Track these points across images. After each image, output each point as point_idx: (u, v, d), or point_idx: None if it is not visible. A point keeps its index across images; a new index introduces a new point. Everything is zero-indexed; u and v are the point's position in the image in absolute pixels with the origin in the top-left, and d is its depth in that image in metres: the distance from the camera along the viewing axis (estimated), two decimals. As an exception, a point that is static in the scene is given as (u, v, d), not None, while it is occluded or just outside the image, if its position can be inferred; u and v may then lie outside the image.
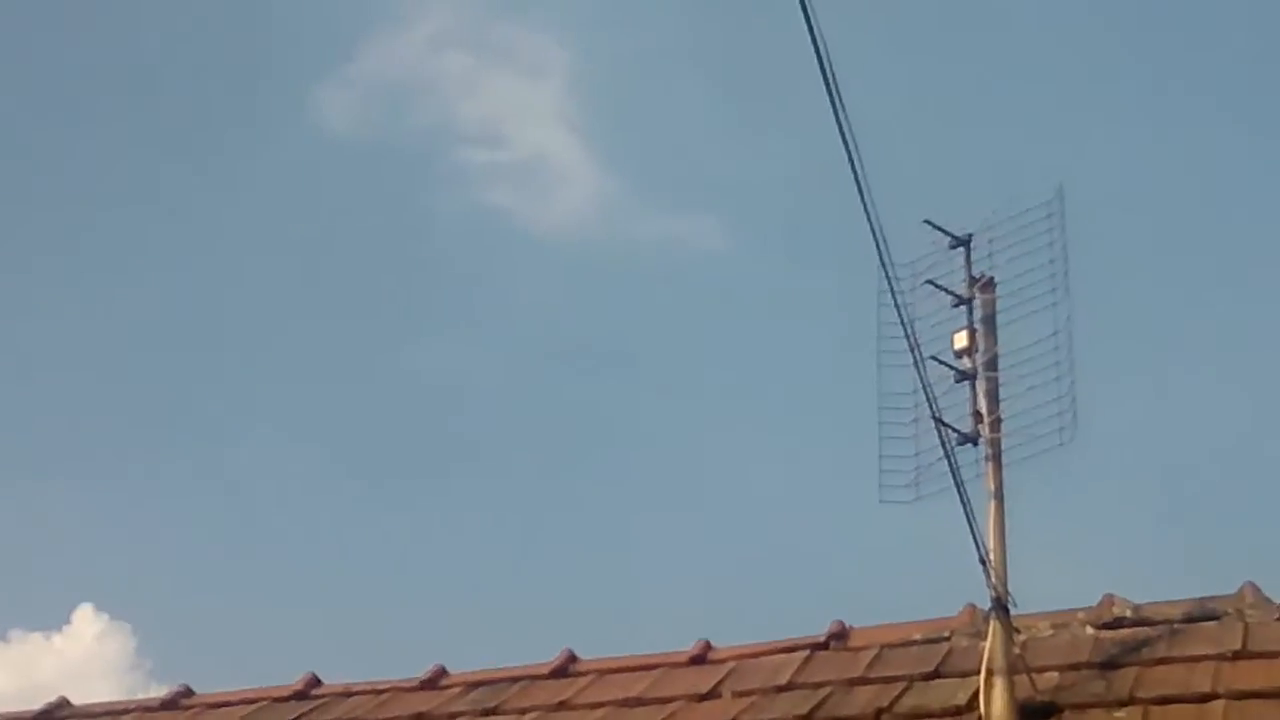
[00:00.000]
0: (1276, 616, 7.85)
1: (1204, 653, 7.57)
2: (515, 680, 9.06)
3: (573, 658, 9.13)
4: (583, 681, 8.84)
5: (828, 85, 5.88)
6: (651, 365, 19.44)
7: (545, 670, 9.06)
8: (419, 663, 9.53)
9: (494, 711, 8.67)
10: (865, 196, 6.44)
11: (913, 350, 7.25)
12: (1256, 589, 8.05)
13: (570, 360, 19.86)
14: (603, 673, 8.88)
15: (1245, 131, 17.70)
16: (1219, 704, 7.01)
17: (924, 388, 7.31)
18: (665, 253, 20.37)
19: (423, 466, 19.83)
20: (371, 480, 19.85)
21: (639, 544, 18.34)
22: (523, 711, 8.58)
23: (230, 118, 21.07)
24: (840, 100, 5.97)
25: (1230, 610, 7.96)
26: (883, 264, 6.87)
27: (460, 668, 9.40)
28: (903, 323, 7.17)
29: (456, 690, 9.12)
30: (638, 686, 8.56)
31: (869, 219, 6.58)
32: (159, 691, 10.09)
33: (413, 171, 21.67)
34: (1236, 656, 7.47)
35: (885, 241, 6.74)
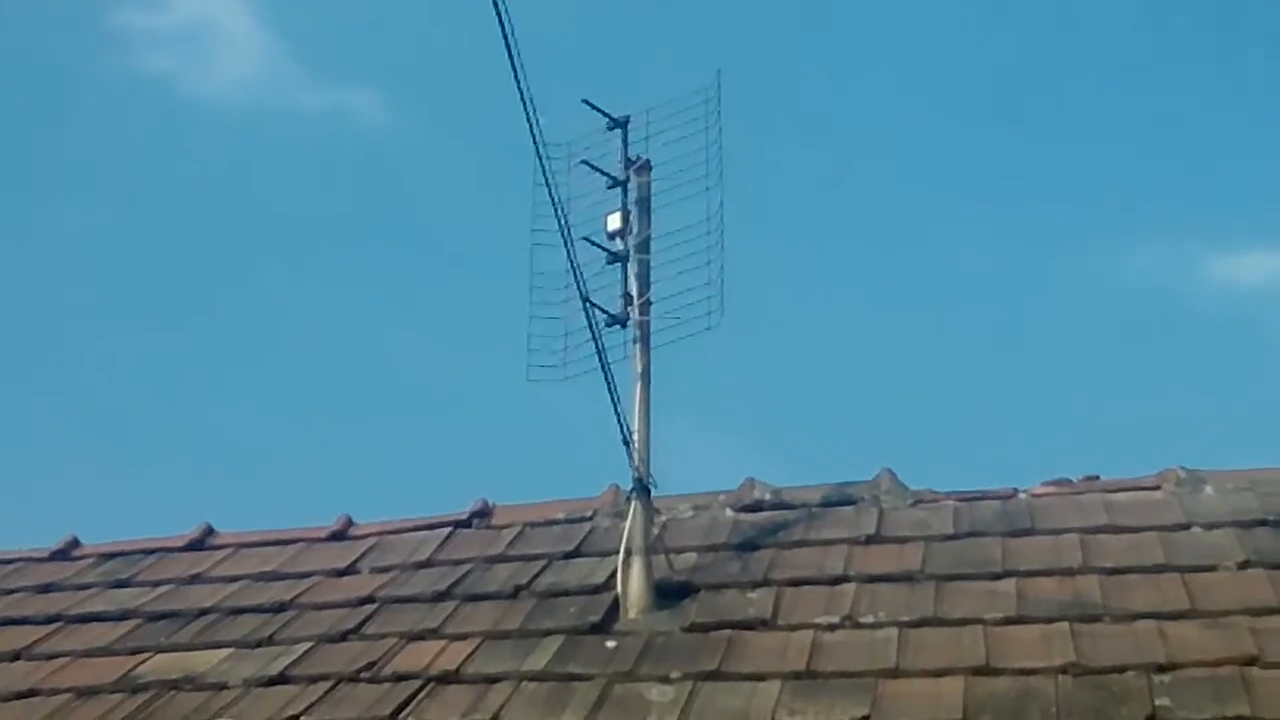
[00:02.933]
0: (910, 502, 8.04)
1: (839, 536, 7.72)
2: (149, 553, 8.85)
3: (210, 531, 8.95)
4: (219, 555, 8.67)
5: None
6: (303, 241, 19.08)
7: (180, 543, 8.87)
8: (53, 534, 9.27)
9: (126, 584, 8.46)
10: (518, 73, 6.37)
11: (562, 230, 7.21)
12: (893, 475, 8.23)
13: (225, 234, 19.35)
14: (240, 546, 8.72)
15: (915, 37, 17.95)
16: (850, 586, 7.14)
17: (573, 268, 7.28)
18: (329, 125, 19.95)
19: (45, 340, 19.15)
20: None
21: (283, 420, 18.04)
22: (156, 584, 8.38)
23: None
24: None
25: (866, 496, 8.13)
26: (535, 141, 6.79)
27: (95, 540, 9.17)
28: (553, 202, 7.11)
29: (88, 562, 8.88)
30: (275, 561, 8.43)
31: (521, 96, 6.51)
32: None
33: (69, 32, 20.76)
34: (869, 541, 7.63)
35: (538, 119, 6.67)
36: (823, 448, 14.57)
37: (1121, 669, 6.15)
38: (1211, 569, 6.95)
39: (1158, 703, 5.88)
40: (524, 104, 6.53)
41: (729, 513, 8.19)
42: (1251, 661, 6.08)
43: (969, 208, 17.66)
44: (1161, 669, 6.12)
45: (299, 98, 20.74)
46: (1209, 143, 17.38)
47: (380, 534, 8.57)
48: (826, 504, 8.11)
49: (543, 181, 7.12)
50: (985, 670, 6.26)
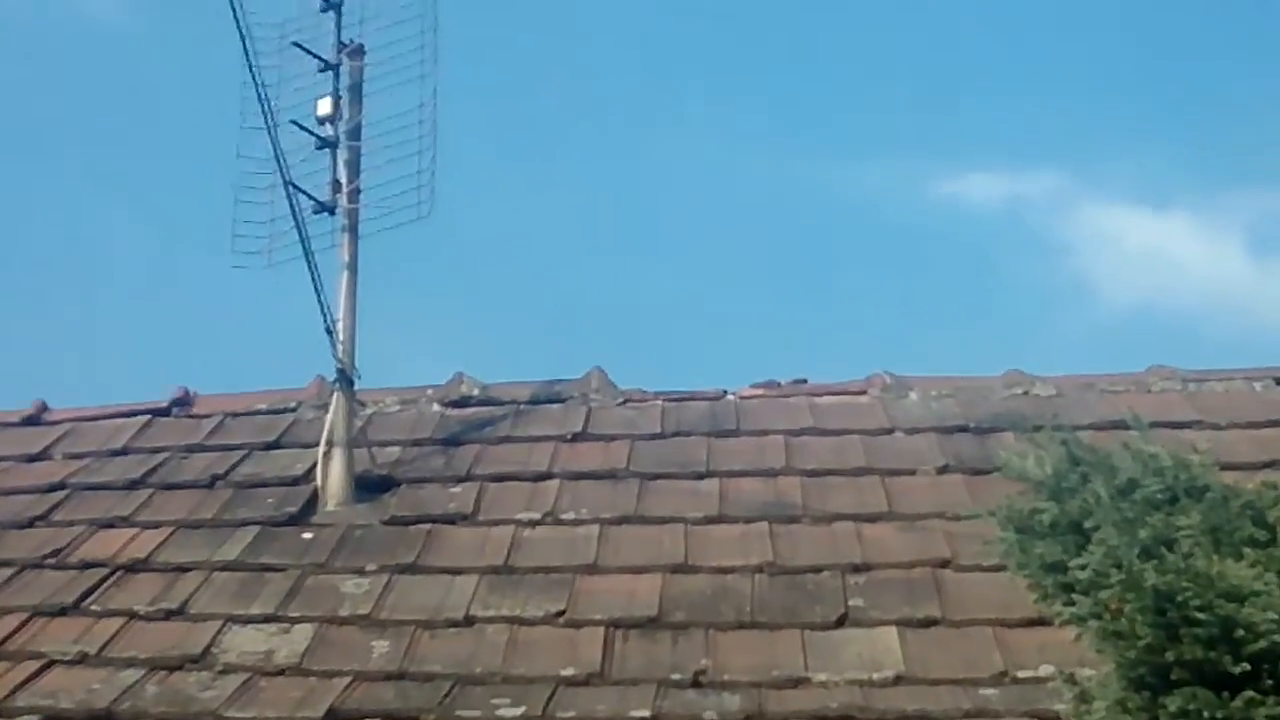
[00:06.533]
0: (619, 401, 8.00)
1: (545, 434, 7.67)
2: None
3: (-106, 413, 8.59)
4: (-98, 439, 8.33)
5: None
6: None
7: None
8: None
9: None
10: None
11: (264, 111, 7.00)
12: (603, 374, 8.19)
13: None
14: (-77, 430, 8.39)
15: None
16: (553, 483, 7.11)
17: (275, 150, 7.09)
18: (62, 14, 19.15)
19: None
20: None
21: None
22: None
23: None
24: None
25: (576, 394, 8.07)
26: (235, 18, 6.59)
27: None
28: (255, 83, 6.91)
29: None
30: (-38, 445, 8.12)
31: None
32: None
33: None
34: (576, 438, 7.60)
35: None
36: (536, 346, 14.44)
37: (817, 569, 6.22)
38: (911, 473, 7.04)
39: (851, 603, 5.96)
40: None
41: (436, 408, 8.08)
42: (944, 564, 6.18)
43: (703, 110, 17.44)
44: (857, 569, 6.20)
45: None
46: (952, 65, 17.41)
47: (75, 420, 8.28)
48: (535, 401, 8.04)
49: (250, 62, 6.93)
50: (683, 568, 6.28)
